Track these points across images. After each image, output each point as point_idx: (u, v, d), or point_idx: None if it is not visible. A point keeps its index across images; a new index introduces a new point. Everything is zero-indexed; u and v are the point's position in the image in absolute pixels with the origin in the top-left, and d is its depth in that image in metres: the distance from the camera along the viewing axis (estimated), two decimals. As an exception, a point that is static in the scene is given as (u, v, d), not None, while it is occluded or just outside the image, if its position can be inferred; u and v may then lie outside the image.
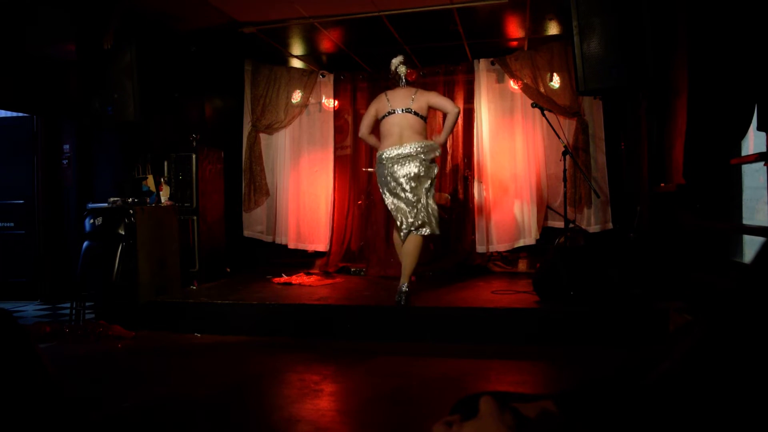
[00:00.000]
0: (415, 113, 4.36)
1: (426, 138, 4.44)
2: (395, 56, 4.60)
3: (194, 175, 5.51)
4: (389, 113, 4.41)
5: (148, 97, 4.87)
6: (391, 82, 4.64)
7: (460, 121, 6.26)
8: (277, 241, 6.51)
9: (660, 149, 4.67)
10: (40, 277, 6.13)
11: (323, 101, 6.50)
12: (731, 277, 3.59)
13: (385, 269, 5.79)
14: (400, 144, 4.31)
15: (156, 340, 4.24)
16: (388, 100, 4.45)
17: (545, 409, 0.69)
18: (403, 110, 4.37)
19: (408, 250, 4.30)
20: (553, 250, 4.51)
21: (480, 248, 6.00)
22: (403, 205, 4.32)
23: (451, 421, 0.67)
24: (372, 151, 6.20)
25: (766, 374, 0.49)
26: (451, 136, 6.27)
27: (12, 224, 6.36)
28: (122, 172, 5.50)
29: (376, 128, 4.59)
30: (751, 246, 3.72)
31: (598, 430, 0.66)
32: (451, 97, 6.28)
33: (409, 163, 4.27)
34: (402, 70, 4.54)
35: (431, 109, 4.48)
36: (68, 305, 5.00)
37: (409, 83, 4.58)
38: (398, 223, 4.36)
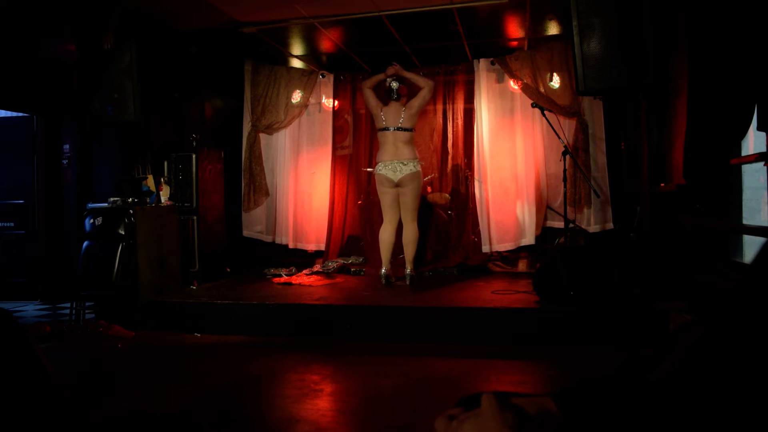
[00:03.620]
0: (405, 129, 5.10)
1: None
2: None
3: (194, 175, 5.51)
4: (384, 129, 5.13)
5: (148, 97, 4.87)
6: (384, 94, 5.23)
7: (459, 121, 6.28)
8: (277, 241, 6.51)
9: (660, 149, 4.67)
10: (40, 277, 6.13)
11: (323, 101, 6.50)
12: (731, 277, 3.59)
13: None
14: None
15: (156, 340, 4.24)
16: (383, 116, 5.12)
17: (546, 408, 0.69)
18: (394, 128, 5.08)
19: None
20: (553, 250, 4.52)
21: (480, 248, 5.99)
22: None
23: (454, 415, 0.67)
24: (373, 152, 6.20)
25: (767, 373, 0.49)
26: (451, 136, 6.30)
27: (12, 224, 6.35)
28: (122, 172, 5.51)
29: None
30: (751, 246, 3.72)
31: (599, 429, 0.66)
32: (452, 97, 6.30)
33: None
34: (394, 85, 5.16)
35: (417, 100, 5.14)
36: (68, 305, 4.99)
37: (401, 96, 5.20)
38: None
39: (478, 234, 6.05)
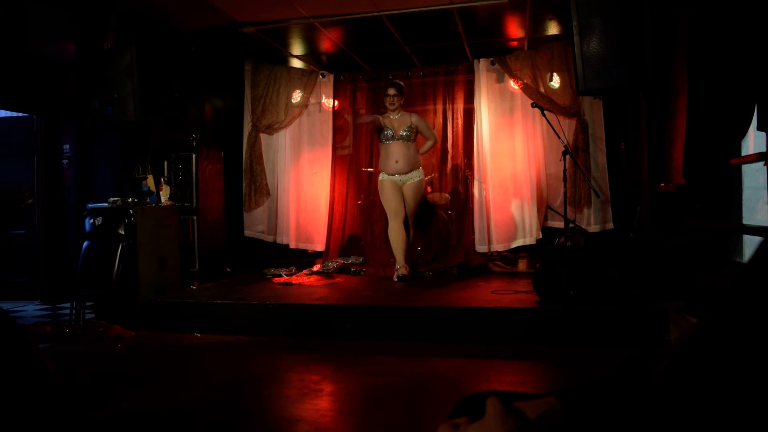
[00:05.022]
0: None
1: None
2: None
3: (194, 175, 5.51)
4: None
5: (148, 97, 4.87)
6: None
7: (459, 121, 6.28)
8: (278, 241, 6.51)
9: (660, 149, 4.68)
10: (40, 277, 6.13)
11: (323, 101, 6.50)
12: (731, 277, 3.58)
13: (384, 269, 5.79)
14: None
15: (156, 340, 4.24)
16: None
17: (547, 408, 0.69)
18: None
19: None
20: (553, 250, 4.51)
21: (480, 248, 5.99)
22: None
23: (459, 423, 0.68)
24: (372, 151, 6.21)
25: (765, 372, 0.49)
26: (451, 136, 6.30)
27: (12, 224, 6.35)
28: (122, 172, 5.51)
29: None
30: (751, 246, 3.72)
31: (600, 428, 0.66)
32: (452, 97, 6.30)
33: None
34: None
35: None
36: (68, 305, 5.00)
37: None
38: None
39: (478, 234, 6.05)
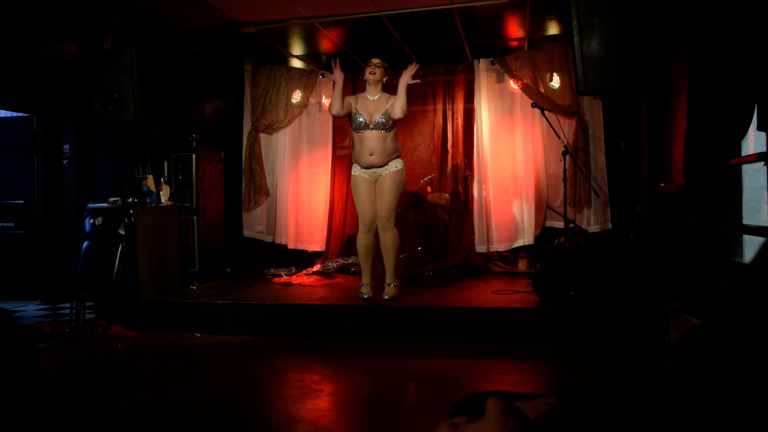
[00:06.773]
0: None
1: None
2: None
3: (194, 175, 5.51)
4: None
5: (148, 97, 4.87)
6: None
7: (459, 121, 6.28)
8: (277, 241, 6.51)
9: (660, 149, 4.67)
10: (40, 277, 6.13)
11: (323, 101, 6.50)
12: (731, 277, 3.59)
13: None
14: None
15: (156, 340, 4.24)
16: None
17: (547, 408, 0.69)
18: None
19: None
20: (553, 250, 4.51)
21: (480, 248, 5.99)
22: None
23: (458, 423, 0.68)
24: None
25: (765, 373, 0.49)
26: (451, 136, 6.30)
27: (12, 224, 6.36)
28: (122, 172, 5.51)
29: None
30: (751, 246, 3.72)
31: (599, 428, 0.66)
32: (452, 97, 6.30)
33: None
34: None
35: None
36: (68, 305, 5.00)
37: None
38: None
39: (477, 234, 6.05)
